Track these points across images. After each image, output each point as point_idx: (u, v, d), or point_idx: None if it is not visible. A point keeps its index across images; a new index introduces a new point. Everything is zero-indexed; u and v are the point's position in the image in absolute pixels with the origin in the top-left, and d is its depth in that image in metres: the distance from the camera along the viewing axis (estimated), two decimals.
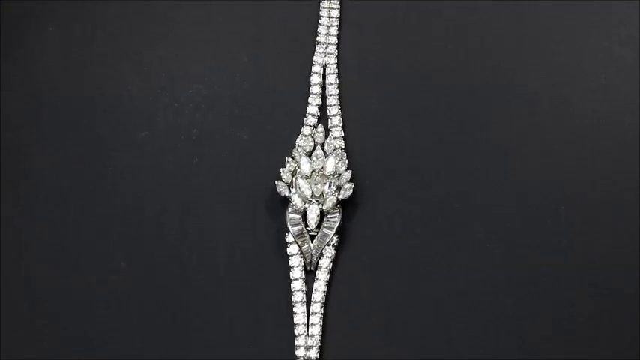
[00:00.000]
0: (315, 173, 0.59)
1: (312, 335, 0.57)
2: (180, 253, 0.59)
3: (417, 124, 0.62)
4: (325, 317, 0.57)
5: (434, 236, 0.59)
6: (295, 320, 0.57)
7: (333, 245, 0.59)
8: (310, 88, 0.63)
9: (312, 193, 0.59)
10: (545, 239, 0.57)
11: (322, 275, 0.58)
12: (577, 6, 0.60)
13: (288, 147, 0.60)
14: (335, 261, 0.59)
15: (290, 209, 0.59)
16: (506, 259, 0.57)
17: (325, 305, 0.58)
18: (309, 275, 0.58)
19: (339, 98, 0.63)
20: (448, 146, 0.61)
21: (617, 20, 0.60)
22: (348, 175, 0.60)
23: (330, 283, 0.58)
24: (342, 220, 0.59)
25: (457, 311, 0.57)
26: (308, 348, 0.57)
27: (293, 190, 0.59)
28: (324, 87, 0.63)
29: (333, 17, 0.65)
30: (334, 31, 0.64)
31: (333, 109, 0.62)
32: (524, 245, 0.58)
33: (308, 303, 0.57)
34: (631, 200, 0.57)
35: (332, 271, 0.58)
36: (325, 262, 0.59)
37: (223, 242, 0.59)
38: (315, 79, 0.64)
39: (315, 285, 0.58)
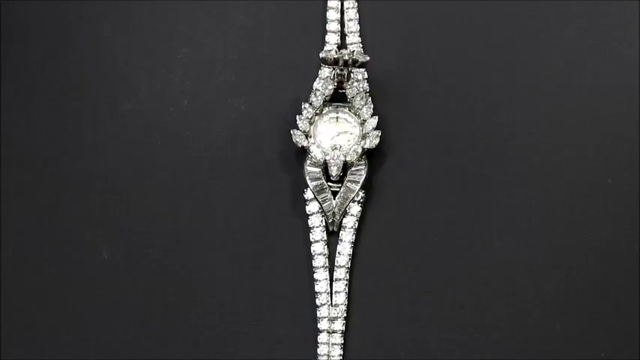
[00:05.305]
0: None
1: (337, 305, 0.52)
2: (186, 219, 0.54)
3: (449, 61, 0.57)
4: (351, 285, 0.53)
5: (470, 192, 0.54)
6: (317, 288, 0.52)
7: (358, 202, 0.53)
8: (327, 25, 0.58)
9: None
10: (591, 213, 0.54)
11: (347, 236, 0.53)
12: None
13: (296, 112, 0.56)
14: (361, 220, 0.54)
15: (308, 162, 0.54)
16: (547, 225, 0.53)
17: (351, 271, 0.53)
18: (332, 237, 0.54)
19: (360, 36, 0.58)
20: (487, 88, 0.57)
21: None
22: (374, 121, 0.54)
23: (355, 245, 0.53)
24: (368, 173, 0.54)
25: (494, 282, 0.52)
26: (332, 320, 0.52)
27: (311, 140, 0.54)
28: (342, 24, 0.59)
29: None
30: None
31: (354, 48, 0.57)
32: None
33: (331, 269, 0.53)
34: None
35: (357, 232, 0.54)
36: (350, 222, 0.53)
37: (231, 204, 0.54)
38: (333, 14, 0.58)
39: (339, 248, 0.53)
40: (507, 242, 0.53)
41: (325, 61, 0.53)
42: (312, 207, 0.53)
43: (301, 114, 0.54)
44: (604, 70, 0.56)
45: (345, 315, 0.52)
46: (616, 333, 0.51)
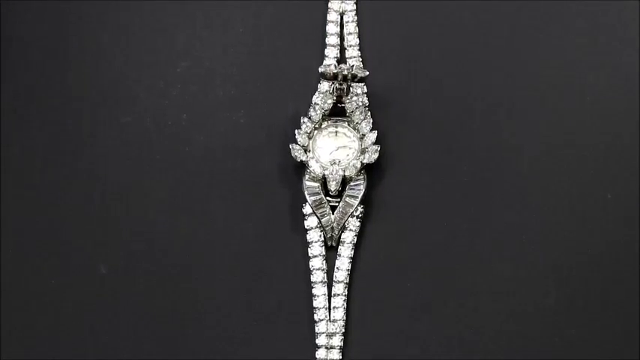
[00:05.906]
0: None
1: (335, 321, 0.51)
2: (184, 232, 0.54)
3: (449, 76, 0.57)
4: (349, 300, 0.52)
5: (469, 206, 0.54)
6: (315, 304, 0.52)
7: (357, 217, 0.53)
8: (327, 39, 0.58)
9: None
10: (586, 226, 0.53)
11: (345, 251, 0.53)
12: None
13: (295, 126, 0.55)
14: (359, 235, 0.53)
15: (307, 176, 0.53)
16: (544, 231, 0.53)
17: (349, 286, 0.52)
18: (330, 252, 0.53)
19: (359, 49, 0.58)
20: (487, 98, 0.56)
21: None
22: (373, 136, 0.54)
23: (354, 260, 0.53)
24: (367, 187, 0.53)
25: (493, 296, 0.52)
26: (331, 335, 0.51)
27: (310, 155, 0.53)
28: (342, 38, 0.58)
29: None
30: None
31: (354, 62, 0.57)
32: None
33: (329, 284, 0.52)
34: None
35: (356, 247, 0.53)
36: (349, 237, 0.53)
37: (230, 219, 0.54)
38: (332, 28, 0.58)
39: (338, 263, 0.53)
40: (507, 257, 0.52)
41: (324, 76, 0.53)
42: (310, 222, 0.53)
43: (300, 128, 0.54)
44: (604, 71, 0.56)
45: (344, 331, 0.51)
46: (616, 337, 0.51)
